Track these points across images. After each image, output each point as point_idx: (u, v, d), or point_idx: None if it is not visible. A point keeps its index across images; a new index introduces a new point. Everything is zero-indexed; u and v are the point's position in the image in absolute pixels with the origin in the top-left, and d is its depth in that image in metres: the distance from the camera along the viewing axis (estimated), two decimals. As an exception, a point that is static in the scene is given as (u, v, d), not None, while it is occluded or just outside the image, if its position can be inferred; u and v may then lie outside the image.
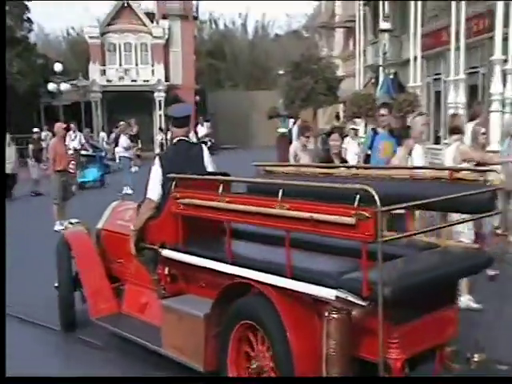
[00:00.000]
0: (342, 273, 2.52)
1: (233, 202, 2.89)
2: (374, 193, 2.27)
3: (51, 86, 21.75)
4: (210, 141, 16.30)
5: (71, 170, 9.16)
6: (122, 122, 21.03)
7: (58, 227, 8.47)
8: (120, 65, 28.69)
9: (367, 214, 2.30)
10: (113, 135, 21.04)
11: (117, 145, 19.44)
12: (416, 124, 4.46)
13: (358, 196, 2.32)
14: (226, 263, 2.98)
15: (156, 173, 3.64)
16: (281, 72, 22.39)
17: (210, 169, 3.78)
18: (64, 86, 21.31)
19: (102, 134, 22.58)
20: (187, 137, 3.79)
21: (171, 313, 3.30)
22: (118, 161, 19.19)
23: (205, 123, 16.96)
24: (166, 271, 3.46)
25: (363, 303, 2.40)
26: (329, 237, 2.49)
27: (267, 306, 2.73)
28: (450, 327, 2.86)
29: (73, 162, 10.23)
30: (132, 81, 28.31)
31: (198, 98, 30.27)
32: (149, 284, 3.60)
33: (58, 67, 21.06)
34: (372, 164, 5.03)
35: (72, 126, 15.62)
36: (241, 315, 2.89)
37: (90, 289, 3.98)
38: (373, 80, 18.16)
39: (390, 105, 6.55)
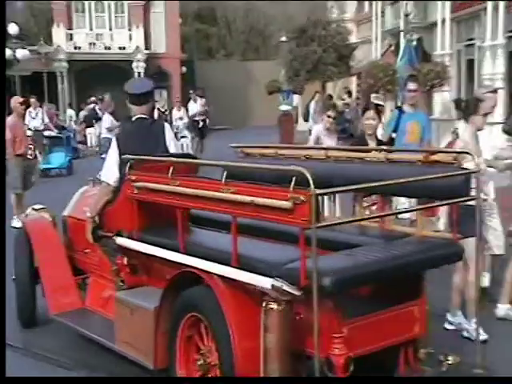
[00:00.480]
0: (287, 261, 2.72)
1: (184, 185, 3.11)
2: (308, 175, 2.45)
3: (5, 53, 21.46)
4: (202, 121, 16.06)
5: (29, 156, 9.09)
6: (92, 98, 20.97)
7: (16, 223, 8.47)
8: (90, 29, 28.50)
9: (302, 198, 2.48)
10: (83, 113, 20.92)
11: (88, 125, 19.43)
12: (488, 100, 4.08)
13: (293, 178, 2.51)
14: (178, 252, 3.20)
15: (112, 154, 3.89)
16: (283, 39, 22.21)
17: (172, 149, 3.99)
18: (21, 53, 20.35)
19: (70, 112, 22.39)
20: (149, 116, 4.04)
21: (123, 306, 3.51)
22: (90, 144, 19.16)
23: (198, 99, 16.70)
24: (125, 261, 3.68)
25: (297, 293, 2.59)
26: (277, 223, 2.71)
27: (210, 297, 2.92)
28: (415, 325, 3.04)
29: (30, 146, 10.21)
30: (105, 48, 28.16)
31: (184, 69, 30.19)
32: (110, 276, 3.82)
33: (13, 29, 19.79)
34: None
35: (32, 100, 15.34)
36: (188, 307, 3.09)
37: (51, 282, 4.11)
38: (392, 47, 18.08)
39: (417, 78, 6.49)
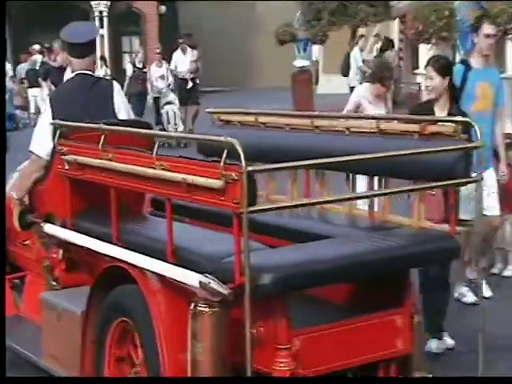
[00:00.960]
0: (227, 254, 2.86)
1: (115, 159, 3.31)
2: (238, 148, 2.61)
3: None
4: (192, 80, 15.93)
5: None
6: (36, 46, 20.91)
7: None
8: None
9: (234, 175, 2.64)
10: (23, 67, 20.87)
11: (32, 84, 19.35)
12: None
13: (225, 151, 2.69)
14: (110, 242, 3.42)
15: (45, 119, 4.05)
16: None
17: (122, 114, 4.20)
18: None
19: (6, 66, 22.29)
20: (91, 70, 4.22)
21: (50, 310, 3.71)
22: (33, 110, 19.10)
23: (189, 50, 16.56)
24: (60, 255, 3.85)
25: (225, 292, 2.76)
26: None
27: (139, 299, 3.10)
28: (397, 340, 3.14)
29: None
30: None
31: (163, 8, 30.09)
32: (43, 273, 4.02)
33: None
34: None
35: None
36: (116, 311, 3.30)
37: None
38: (449, -20, 18.01)
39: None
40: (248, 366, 2.66)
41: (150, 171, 3.06)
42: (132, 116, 4.39)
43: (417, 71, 19.01)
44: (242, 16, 33.13)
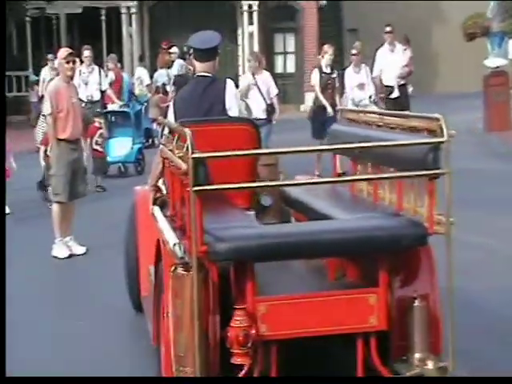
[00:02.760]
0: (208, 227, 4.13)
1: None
2: (188, 138, 3.90)
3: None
4: (401, 87, 14.52)
5: (83, 143, 9.45)
6: (175, 49, 21.40)
7: (59, 250, 8.76)
8: None
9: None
10: (161, 73, 21.16)
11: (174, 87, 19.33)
12: None
13: (188, 139, 3.90)
14: None
15: (170, 118, 5.47)
16: None
17: (232, 112, 5.62)
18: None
19: (140, 72, 22.66)
20: (210, 73, 5.69)
21: None
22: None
23: (400, 47, 15.17)
24: None
25: (179, 255, 4.00)
26: None
27: None
28: (370, 316, 4.16)
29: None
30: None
31: (324, 2, 30.20)
32: None
33: None
34: None
35: (87, 54, 15.70)
36: None
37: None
38: None
39: None
40: (216, 327, 4.05)
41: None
42: (243, 113, 5.79)
43: None
44: (420, 5, 32.66)
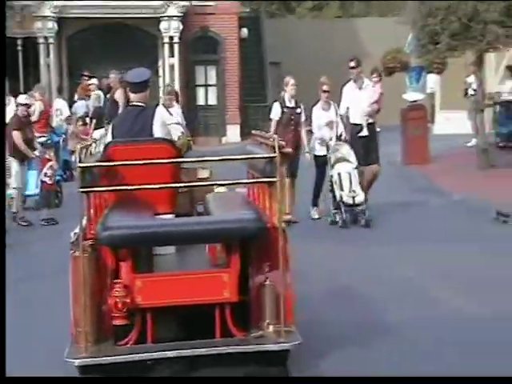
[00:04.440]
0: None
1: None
2: (77, 152, 5.65)
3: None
4: (370, 125, 13.52)
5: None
6: (94, 80, 21.54)
7: None
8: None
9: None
10: (83, 104, 21.25)
11: (99, 125, 19.23)
12: None
13: (83, 153, 5.75)
14: None
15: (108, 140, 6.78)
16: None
17: (158, 134, 6.87)
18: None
19: (59, 103, 22.79)
20: (143, 102, 7.00)
21: None
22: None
23: (368, 83, 13.90)
24: None
25: (72, 240, 5.60)
26: None
27: None
28: (224, 290, 5.61)
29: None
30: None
31: (245, 32, 30.65)
32: None
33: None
34: None
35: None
36: None
37: None
38: None
39: None
40: (106, 298, 5.55)
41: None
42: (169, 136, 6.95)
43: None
44: (339, 39, 33.36)
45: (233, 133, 29.13)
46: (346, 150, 12.93)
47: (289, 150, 6.72)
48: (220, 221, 5.91)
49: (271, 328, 5.69)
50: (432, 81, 24.75)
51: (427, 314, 7.85)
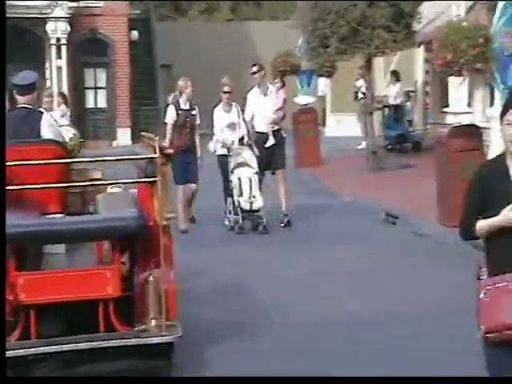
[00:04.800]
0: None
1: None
2: None
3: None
4: (275, 132, 13.39)
5: None
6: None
7: None
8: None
9: None
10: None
11: None
12: None
13: None
14: None
15: None
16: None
17: (46, 136, 6.89)
18: None
19: None
20: (33, 105, 7.10)
21: None
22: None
23: (272, 88, 13.93)
24: None
25: None
26: None
27: None
28: (107, 287, 5.88)
29: None
30: None
31: (135, 34, 30.45)
32: None
33: None
34: None
35: None
36: None
37: None
38: None
39: None
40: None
41: None
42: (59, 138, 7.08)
43: (446, 109, 19.20)
44: (231, 42, 33.59)
45: (124, 136, 28.89)
46: (248, 155, 12.77)
47: (170, 150, 6.91)
48: (102, 219, 6.24)
49: (154, 322, 5.98)
50: (323, 84, 25.09)
51: (311, 312, 8.22)
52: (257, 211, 12.54)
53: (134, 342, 5.86)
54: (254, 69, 13.46)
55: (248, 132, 13.10)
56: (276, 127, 13.37)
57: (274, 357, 6.90)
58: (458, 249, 9.72)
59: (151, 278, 6.03)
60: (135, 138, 25.69)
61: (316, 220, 13.31)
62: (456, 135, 12.07)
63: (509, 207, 4.17)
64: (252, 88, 13.65)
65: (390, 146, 21.38)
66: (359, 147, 21.26)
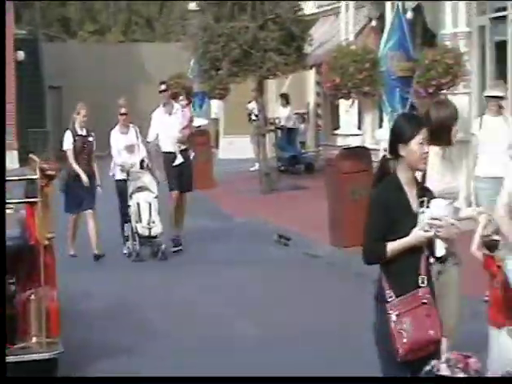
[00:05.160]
0: None
1: None
2: None
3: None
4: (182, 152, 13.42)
5: None
6: None
7: None
8: None
9: None
10: None
11: None
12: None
13: None
14: None
15: None
16: (192, 7, 22.62)
17: None
18: None
19: None
20: None
21: None
22: None
23: (177, 106, 14.06)
24: None
25: None
26: None
27: None
28: None
29: None
30: None
31: (21, 54, 30.00)
32: None
33: None
34: None
35: None
36: None
37: None
38: (373, 23, 18.71)
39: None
40: None
41: None
42: None
43: (337, 131, 19.45)
44: (122, 63, 33.44)
45: (10, 159, 28.31)
46: (148, 179, 12.65)
47: (52, 172, 6.91)
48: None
49: (35, 339, 6.27)
50: (216, 106, 25.24)
51: (201, 333, 8.42)
52: (155, 237, 12.34)
53: (14, 358, 6.05)
54: (162, 87, 13.42)
55: (148, 153, 12.99)
56: (183, 147, 13.38)
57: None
58: (349, 269, 10.00)
59: (33, 297, 6.24)
60: (23, 160, 25.27)
61: (208, 242, 13.36)
62: (346, 157, 12.35)
63: (417, 227, 4.41)
64: (157, 107, 13.59)
65: (282, 168, 21.65)
66: (252, 169, 21.43)
